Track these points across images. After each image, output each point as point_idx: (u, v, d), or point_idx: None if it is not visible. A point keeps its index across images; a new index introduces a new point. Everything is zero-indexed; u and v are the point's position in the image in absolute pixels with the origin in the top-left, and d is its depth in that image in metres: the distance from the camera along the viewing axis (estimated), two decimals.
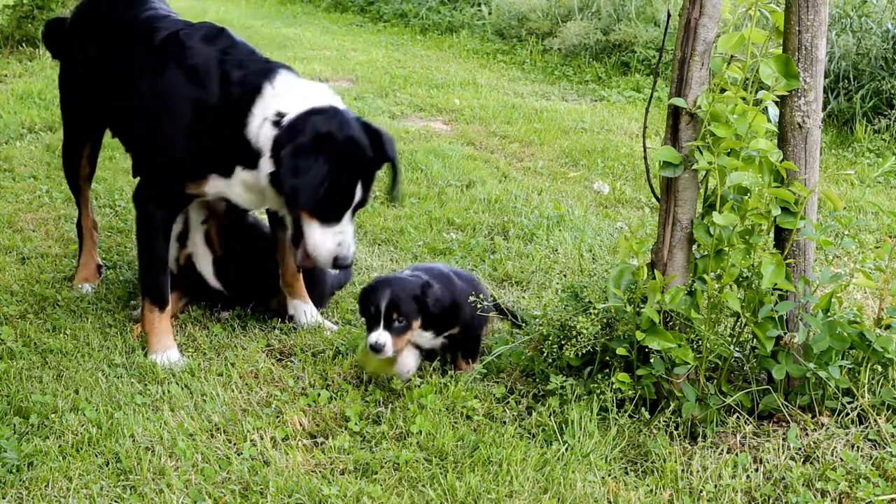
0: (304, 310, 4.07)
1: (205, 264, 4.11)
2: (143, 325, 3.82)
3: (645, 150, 3.48)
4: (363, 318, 3.55)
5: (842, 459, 3.05)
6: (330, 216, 3.56)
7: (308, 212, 3.56)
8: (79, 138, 4.39)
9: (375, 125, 3.70)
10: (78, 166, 4.42)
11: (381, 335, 3.38)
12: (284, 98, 3.56)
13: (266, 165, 3.55)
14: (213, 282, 4.12)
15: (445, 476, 2.94)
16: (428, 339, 3.58)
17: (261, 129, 3.55)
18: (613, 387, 3.24)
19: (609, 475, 3.03)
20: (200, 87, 3.63)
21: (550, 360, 3.48)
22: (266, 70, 3.64)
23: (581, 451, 3.08)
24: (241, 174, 3.67)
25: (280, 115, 3.53)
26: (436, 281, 3.53)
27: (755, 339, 3.27)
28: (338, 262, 3.62)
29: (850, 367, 3.26)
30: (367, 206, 5.31)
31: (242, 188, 3.71)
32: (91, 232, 4.47)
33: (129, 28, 3.96)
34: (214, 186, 3.73)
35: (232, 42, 3.76)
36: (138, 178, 3.89)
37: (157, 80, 3.71)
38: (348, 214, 3.59)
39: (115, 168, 6.03)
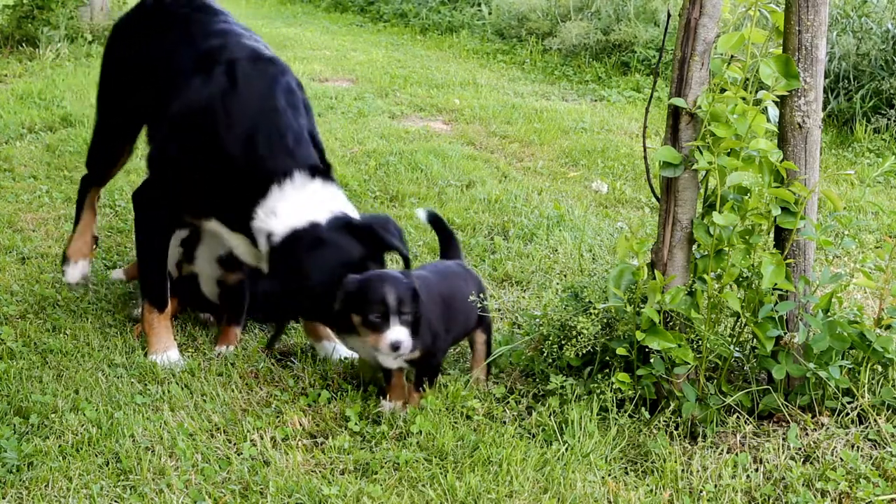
0: (331, 348, 3.82)
1: (210, 289, 4.05)
2: (143, 326, 3.82)
3: (645, 150, 3.48)
4: (362, 319, 3.19)
5: (842, 459, 3.05)
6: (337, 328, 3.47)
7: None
8: (123, 127, 4.23)
9: (366, 221, 3.52)
10: (119, 156, 4.32)
11: (399, 331, 3.08)
12: (279, 215, 3.46)
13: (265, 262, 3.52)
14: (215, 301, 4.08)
15: (445, 476, 2.94)
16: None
17: (260, 239, 3.51)
18: (613, 387, 3.24)
19: (609, 475, 3.03)
20: (228, 134, 3.53)
21: (550, 360, 3.48)
22: (283, 169, 3.48)
23: (581, 451, 3.08)
24: (241, 238, 3.61)
25: (269, 235, 3.47)
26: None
27: (755, 339, 3.27)
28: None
29: (850, 367, 3.26)
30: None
31: (244, 248, 3.64)
32: (94, 205, 4.41)
33: (195, 32, 3.88)
34: (214, 227, 3.69)
35: (275, 108, 3.57)
36: (143, 178, 3.85)
37: (195, 99, 3.63)
38: None
39: None
